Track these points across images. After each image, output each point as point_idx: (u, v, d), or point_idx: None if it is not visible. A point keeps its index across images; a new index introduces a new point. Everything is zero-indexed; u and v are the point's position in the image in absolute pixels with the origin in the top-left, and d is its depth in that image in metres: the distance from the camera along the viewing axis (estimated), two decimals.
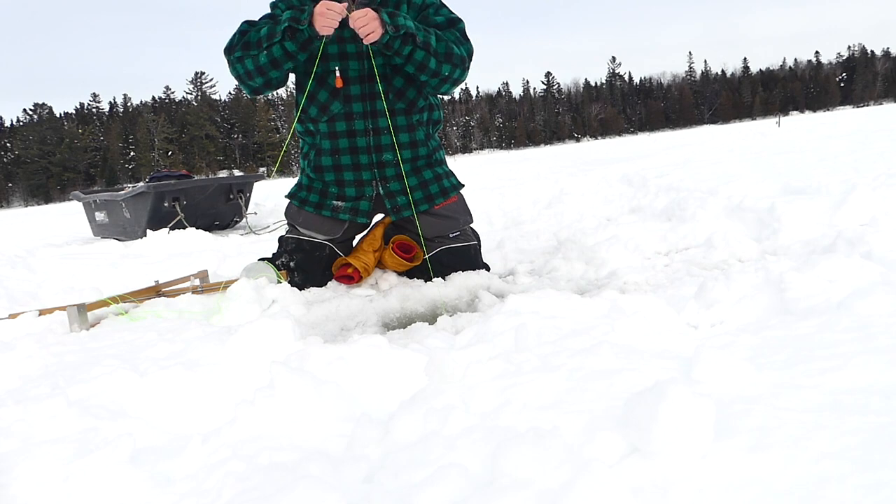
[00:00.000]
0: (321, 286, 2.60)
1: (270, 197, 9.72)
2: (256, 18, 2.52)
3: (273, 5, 2.52)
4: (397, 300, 2.32)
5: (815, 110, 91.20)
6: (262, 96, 2.72)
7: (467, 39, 2.56)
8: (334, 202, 2.62)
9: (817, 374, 1.03)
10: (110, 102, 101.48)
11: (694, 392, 0.81)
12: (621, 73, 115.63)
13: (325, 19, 2.24)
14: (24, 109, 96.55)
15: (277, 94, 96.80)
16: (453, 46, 2.46)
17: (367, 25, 2.24)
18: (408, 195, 2.58)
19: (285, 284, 2.39)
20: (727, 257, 2.43)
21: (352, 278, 2.58)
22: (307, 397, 1.15)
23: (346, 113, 2.50)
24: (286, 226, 2.77)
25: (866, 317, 1.29)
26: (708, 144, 13.09)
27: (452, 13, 2.58)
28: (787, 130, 15.50)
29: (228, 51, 2.46)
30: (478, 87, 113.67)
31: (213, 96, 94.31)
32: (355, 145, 2.55)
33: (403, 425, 1.02)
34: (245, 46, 2.38)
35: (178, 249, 5.32)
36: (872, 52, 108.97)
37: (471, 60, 2.55)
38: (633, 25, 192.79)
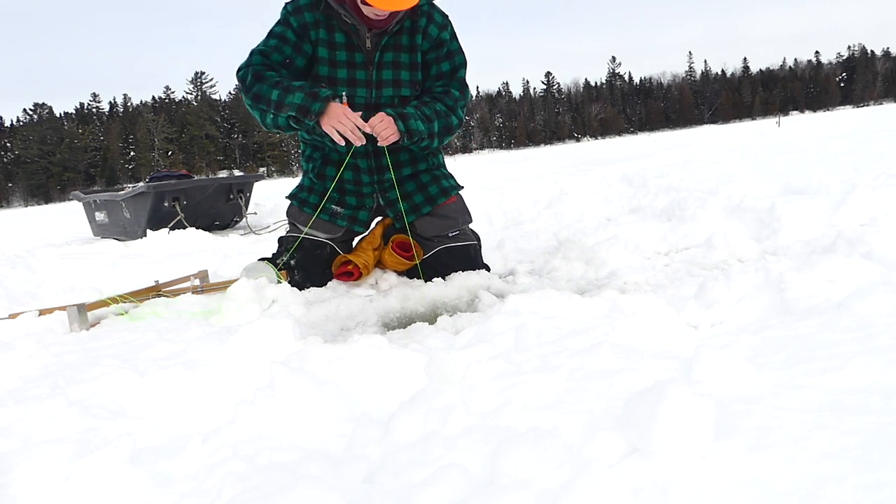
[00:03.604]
0: (321, 286, 2.60)
1: (270, 197, 9.74)
2: (265, 33, 2.48)
3: (284, 20, 2.45)
4: (397, 300, 2.32)
5: (815, 110, 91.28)
6: None
7: (465, 88, 2.59)
8: (334, 207, 2.64)
9: (817, 374, 1.03)
10: (110, 102, 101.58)
11: (694, 392, 0.81)
12: (621, 73, 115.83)
13: (337, 125, 2.27)
14: (24, 109, 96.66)
15: None
16: (452, 119, 2.51)
17: (386, 130, 2.30)
18: (408, 201, 2.62)
19: (285, 284, 2.39)
20: (727, 257, 2.43)
21: (351, 274, 2.59)
22: (307, 397, 1.15)
23: None
24: (287, 225, 2.78)
25: (866, 317, 1.29)
26: (708, 144, 13.09)
27: (460, 54, 2.58)
28: (787, 130, 15.51)
29: (242, 86, 2.44)
30: (478, 87, 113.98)
31: (213, 96, 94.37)
32: (357, 166, 2.59)
33: (403, 425, 1.02)
34: (256, 98, 2.36)
35: (178, 249, 5.32)
36: (872, 52, 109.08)
37: (464, 111, 2.60)
38: (633, 25, 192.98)
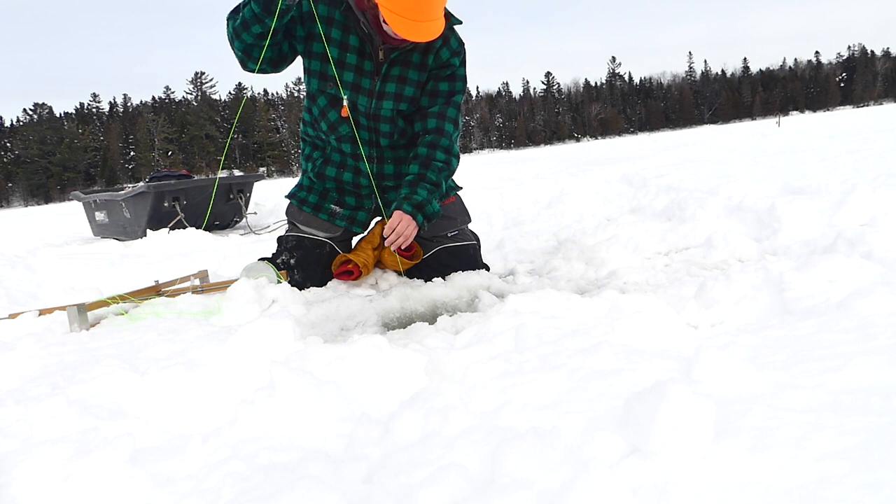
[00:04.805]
0: (321, 285, 2.60)
1: (270, 197, 9.75)
2: None
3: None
4: (397, 300, 2.32)
5: (815, 110, 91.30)
6: (257, 74, 2.63)
7: (460, 117, 2.53)
8: (332, 206, 2.65)
9: (817, 374, 1.03)
10: (110, 102, 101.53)
11: (694, 392, 0.81)
12: (621, 73, 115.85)
13: None
14: (24, 109, 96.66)
15: (277, 93, 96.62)
16: (453, 163, 2.48)
17: (406, 231, 2.27)
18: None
19: (285, 284, 2.39)
20: (727, 257, 2.43)
21: (351, 273, 2.59)
22: (307, 397, 1.15)
23: (352, 136, 2.53)
24: (286, 225, 2.79)
25: (866, 317, 1.29)
26: (708, 144, 13.10)
27: (462, 81, 2.53)
28: (787, 130, 15.52)
29: (227, 20, 2.37)
30: (478, 87, 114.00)
31: (213, 96, 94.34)
32: (358, 168, 2.59)
33: (403, 425, 1.02)
34: (234, 11, 2.33)
35: (178, 249, 5.32)
36: (872, 52, 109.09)
37: (458, 144, 2.56)
38: (633, 25, 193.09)
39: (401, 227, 2.27)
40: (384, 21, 2.26)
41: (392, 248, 2.33)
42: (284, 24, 2.33)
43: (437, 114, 2.48)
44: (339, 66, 2.43)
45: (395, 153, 2.58)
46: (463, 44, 2.52)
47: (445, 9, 2.43)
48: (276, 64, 2.47)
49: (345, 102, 2.43)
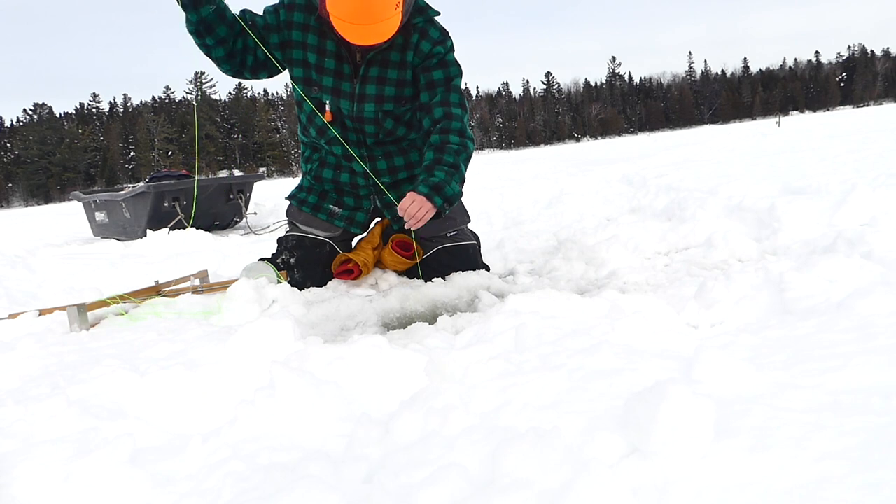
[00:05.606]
0: (321, 285, 2.61)
1: (270, 197, 9.75)
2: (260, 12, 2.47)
3: (274, 10, 2.42)
4: (397, 300, 2.32)
5: (815, 110, 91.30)
6: (245, 81, 2.61)
7: (464, 99, 2.46)
8: (332, 206, 2.65)
9: (817, 374, 1.03)
10: (110, 102, 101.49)
11: (694, 392, 0.81)
12: (621, 73, 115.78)
13: None
14: (24, 109, 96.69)
15: (277, 93, 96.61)
16: (469, 146, 2.37)
17: (420, 211, 2.15)
18: None
19: (285, 284, 2.39)
20: (727, 257, 2.43)
21: (351, 272, 2.59)
22: (307, 397, 1.15)
23: (340, 139, 2.52)
24: (287, 225, 2.79)
25: (866, 317, 1.29)
26: (708, 144, 13.11)
27: (455, 66, 2.45)
28: (787, 130, 15.52)
29: None
30: (478, 87, 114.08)
31: (213, 96, 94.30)
32: (352, 169, 2.60)
33: (403, 425, 1.02)
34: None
35: (178, 249, 5.32)
36: (872, 52, 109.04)
37: (470, 127, 2.49)
38: (633, 25, 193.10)
39: (412, 209, 2.16)
40: (334, 27, 2.23)
41: (408, 227, 2.20)
42: (248, 33, 2.33)
43: (441, 102, 2.40)
44: (318, 70, 2.42)
45: (383, 149, 2.57)
46: (446, 32, 2.44)
47: (422, 1, 2.41)
48: (254, 70, 2.47)
49: (328, 107, 2.42)
